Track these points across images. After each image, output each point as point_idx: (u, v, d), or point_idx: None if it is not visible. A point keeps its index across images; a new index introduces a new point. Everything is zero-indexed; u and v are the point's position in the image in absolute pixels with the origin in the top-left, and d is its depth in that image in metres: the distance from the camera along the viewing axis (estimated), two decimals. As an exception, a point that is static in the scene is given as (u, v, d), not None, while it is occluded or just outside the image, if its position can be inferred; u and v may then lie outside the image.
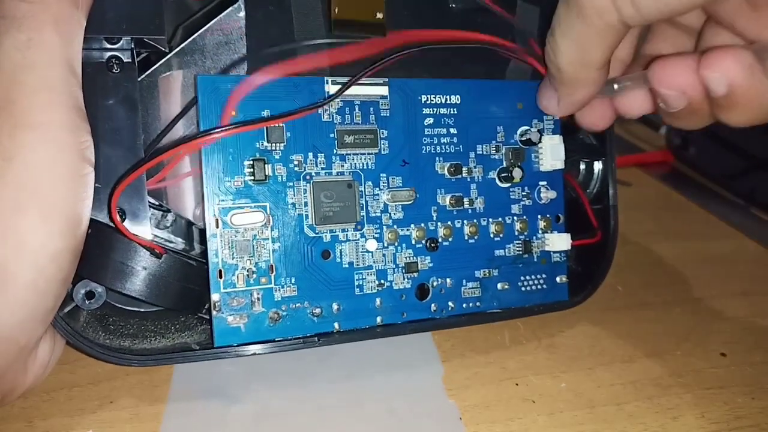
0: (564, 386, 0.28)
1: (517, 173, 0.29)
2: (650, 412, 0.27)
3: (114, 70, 0.25)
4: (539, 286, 0.31)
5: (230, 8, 0.27)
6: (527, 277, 0.31)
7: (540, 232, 0.31)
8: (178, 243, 0.28)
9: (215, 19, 0.27)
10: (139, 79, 0.26)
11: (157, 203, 0.27)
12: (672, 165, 0.59)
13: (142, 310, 0.28)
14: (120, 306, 0.28)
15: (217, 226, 0.25)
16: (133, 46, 0.25)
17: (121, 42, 0.25)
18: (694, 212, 0.50)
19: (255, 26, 0.27)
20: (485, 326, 0.32)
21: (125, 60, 0.25)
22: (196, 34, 0.27)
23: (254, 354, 0.26)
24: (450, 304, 0.29)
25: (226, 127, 0.24)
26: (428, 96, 0.29)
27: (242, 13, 0.27)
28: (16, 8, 0.21)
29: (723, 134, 0.55)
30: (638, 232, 0.44)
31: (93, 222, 0.24)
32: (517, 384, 0.28)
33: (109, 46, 0.25)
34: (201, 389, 0.27)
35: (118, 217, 0.23)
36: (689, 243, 0.44)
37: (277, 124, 0.26)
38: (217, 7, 0.27)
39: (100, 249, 0.24)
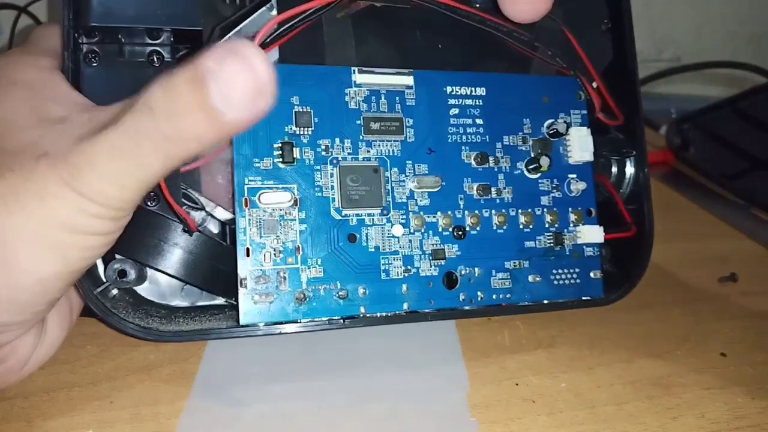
0: (564, 386, 0.28)
1: (544, 161, 0.29)
2: (650, 412, 0.26)
3: (155, 64, 0.27)
4: (572, 281, 0.30)
5: (263, 8, 0.28)
6: (559, 271, 0.30)
7: (571, 225, 0.31)
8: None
9: (249, 19, 0.28)
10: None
11: (191, 197, 0.28)
12: (672, 165, 0.58)
13: (173, 304, 0.29)
14: (150, 299, 0.29)
15: (246, 206, 0.26)
16: (172, 40, 0.27)
17: (162, 37, 0.27)
18: (694, 212, 0.50)
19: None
20: (485, 326, 0.32)
21: (165, 56, 0.27)
22: (231, 33, 0.28)
23: (281, 333, 0.26)
24: (479, 294, 0.29)
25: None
26: (453, 87, 0.29)
27: (274, 12, 0.28)
28: None
29: (723, 134, 0.54)
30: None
31: None
32: (517, 384, 0.28)
33: (150, 41, 0.27)
34: (201, 389, 0.26)
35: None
36: (689, 243, 0.43)
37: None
38: (251, 7, 0.29)
39: (134, 227, 0.25)
